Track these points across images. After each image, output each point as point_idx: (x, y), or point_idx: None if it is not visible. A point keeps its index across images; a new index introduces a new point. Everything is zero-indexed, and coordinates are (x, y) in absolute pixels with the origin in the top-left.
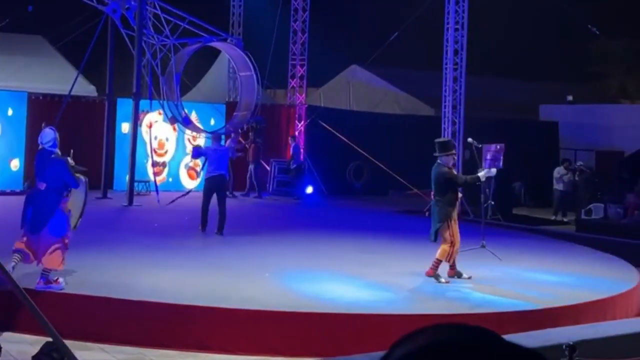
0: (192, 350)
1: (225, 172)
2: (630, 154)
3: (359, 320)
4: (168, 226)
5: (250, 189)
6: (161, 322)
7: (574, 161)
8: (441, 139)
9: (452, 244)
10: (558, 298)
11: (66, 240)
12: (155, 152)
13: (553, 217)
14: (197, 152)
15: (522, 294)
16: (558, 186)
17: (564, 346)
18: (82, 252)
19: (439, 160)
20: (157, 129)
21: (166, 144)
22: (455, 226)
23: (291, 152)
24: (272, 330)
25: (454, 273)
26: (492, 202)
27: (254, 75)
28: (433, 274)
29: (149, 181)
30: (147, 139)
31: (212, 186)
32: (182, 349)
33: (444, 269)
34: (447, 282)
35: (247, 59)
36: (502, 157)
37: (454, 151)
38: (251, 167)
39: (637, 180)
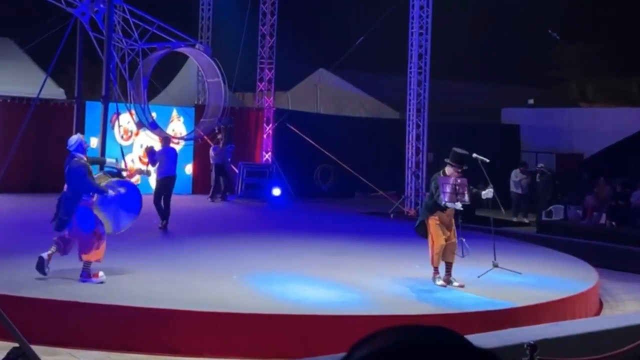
0: (160, 353)
1: (174, 173)
2: (589, 157)
3: (325, 321)
4: (136, 229)
5: (217, 191)
6: (129, 325)
7: (534, 163)
8: (458, 150)
9: (432, 244)
10: (520, 298)
11: (99, 233)
12: (140, 160)
13: (514, 219)
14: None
15: (485, 294)
16: (515, 189)
17: (525, 345)
18: None
19: (445, 167)
20: (143, 138)
21: None
22: (436, 229)
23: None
24: (240, 332)
25: (447, 280)
26: (464, 239)
27: (222, 82)
28: (432, 276)
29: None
30: (122, 142)
31: (162, 187)
32: (150, 353)
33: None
34: (442, 285)
35: (215, 65)
36: (466, 192)
37: (463, 167)
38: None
39: (596, 182)
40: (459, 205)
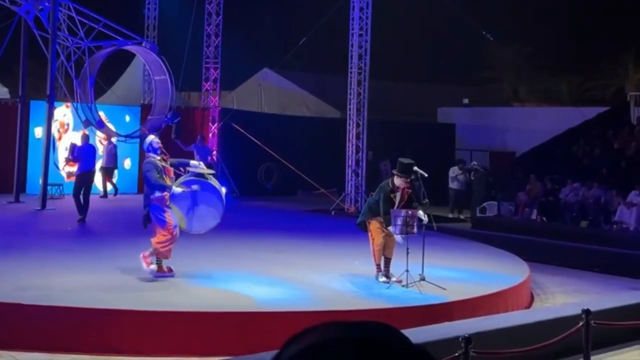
0: (104, 353)
1: (93, 168)
2: (521, 155)
3: (269, 318)
4: (81, 230)
5: None
6: (72, 326)
7: (469, 161)
8: (404, 160)
9: (372, 241)
10: (455, 292)
11: (171, 230)
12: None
13: (450, 215)
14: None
15: (421, 289)
16: (453, 185)
17: (460, 339)
18: None
19: (394, 178)
20: (71, 136)
21: None
22: (376, 227)
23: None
24: (183, 330)
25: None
26: (408, 270)
27: (169, 80)
28: (376, 273)
29: (62, 185)
30: (58, 142)
31: (82, 181)
32: (93, 353)
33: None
34: (385, 282)
35: (161, 63)
36: (416, 223)
37: (411, 176)
38: None
39: (527, 179)
40: (399, 239)
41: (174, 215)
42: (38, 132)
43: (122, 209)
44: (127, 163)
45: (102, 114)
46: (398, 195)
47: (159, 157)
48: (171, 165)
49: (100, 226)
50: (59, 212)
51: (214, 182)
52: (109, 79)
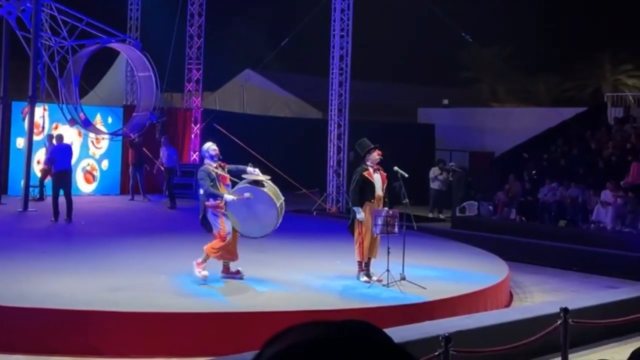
0: (86, 356)
1: (69, 167)
2: (500, 155)
3: (250, 318)
4: (64, 231)
5: (135, 193)
6: (54, 328)
7: (448, 162)
8: (359, 140)
9: (360, 242)
10: (435, 292)
11: (224, 236)
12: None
13: (430, 215)
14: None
15: (402, 288)
16: (433, 185)
17: (440, 337)
18: None
19: (366, 160)
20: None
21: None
22: (369, 229)
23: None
24: (166, 331)
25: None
26: (389, 270)
27: (153, 76)
28: (357, 272)
29: (44, 186)
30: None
31: (59, 180)
32: (75, 355)
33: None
34: (366, 281)
35: (145, 59)
36: (397, 223)
37: (372, 145)
38: (131, 170)
39: (506, 179)
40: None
41: (228, 222)
42: (20, 142)
43: (104, 210)
44: (105, 164)
45: (97, 118)
46: (378, 177)
47: (214, 164)
48: (228, 172)
49: (82, 227)
50: (40, 214)
51: (269, 190)
52: (92, 80)
